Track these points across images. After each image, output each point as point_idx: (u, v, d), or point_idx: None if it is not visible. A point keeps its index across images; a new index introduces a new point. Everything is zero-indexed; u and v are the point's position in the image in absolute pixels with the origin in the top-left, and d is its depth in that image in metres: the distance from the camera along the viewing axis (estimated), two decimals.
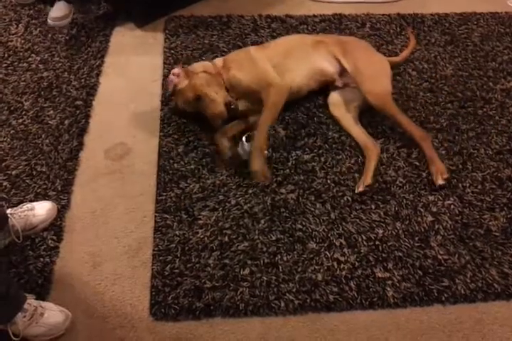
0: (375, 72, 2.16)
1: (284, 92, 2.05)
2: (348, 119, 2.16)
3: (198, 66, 2.16)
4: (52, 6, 2.63)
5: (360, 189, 1.93)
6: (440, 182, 1.96)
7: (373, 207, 1.93)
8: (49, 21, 2.60)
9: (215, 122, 2.04)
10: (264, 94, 2.03)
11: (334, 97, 2.23)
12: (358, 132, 2.12)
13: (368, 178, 1.95)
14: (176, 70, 2.08)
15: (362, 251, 1.80)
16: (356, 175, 2.02)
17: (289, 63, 2.15)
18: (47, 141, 2.10)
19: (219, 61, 2.17)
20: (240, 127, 2.13)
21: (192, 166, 2.02)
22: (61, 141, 2.10)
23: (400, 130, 2.13)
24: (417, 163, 2.06)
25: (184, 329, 1.63)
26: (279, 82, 2.07)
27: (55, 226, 1.83)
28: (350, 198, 1.94)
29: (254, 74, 2.08)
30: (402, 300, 1.69)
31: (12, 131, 2.13)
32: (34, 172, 1.98)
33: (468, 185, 2.01)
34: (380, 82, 2.13)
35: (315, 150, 2.09)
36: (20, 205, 1.81)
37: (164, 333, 1.61)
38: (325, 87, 2.27)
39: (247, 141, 1.99)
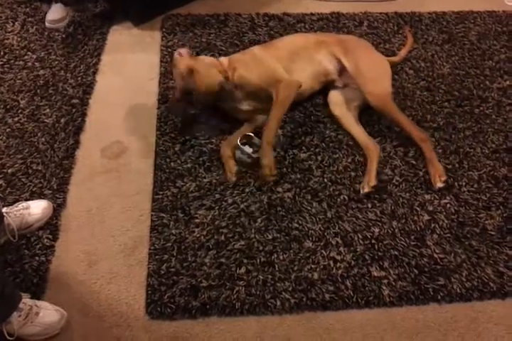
0: (376, 73, 2.15)
1: (294, 87, 2.03)
2: (348, 119, 2.15)
3: (205, 57, 2.15)
4: (48, 3, 2.62)
5: (366, 190, 1.93)
6: (439, 184, 1.96)
7: (370, 205, 1.93)
8: (46, 24, 2.59)
9: (202, 98, 2.01)
10: (274, 91, 2.01)
11: (334, 97, 2.22)
12: (358, 132, 2.12)
13: (372, 179, 1.95)
14: (182, 50, 2.05)
15: (358, 249, 1.80)
16: (353, 173, 2.02)
17: (294, 66, 2.13)
18: (43, 139, 2.09)
19: (224, 60, 2.14)
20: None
21: (188, 165, 2.02)
22: (57, 140, 2.09)
23: (398, 129, 2.13)
24: (414, 162, 2.06)
25: (180, 328, 1.63)
26: (287, 77, 2.06)
27: (51, 225, 1.83)
28: (346, 197, 1.94)
29: (261, 73, 2.06)
30: (397, 299, 1.70)
31: (8, 130, 2.12)
32: (30, 171, 1.98)
33: (464, 184, 2.01)
34: (381, 83, 2.12)
35: (312, 149, 2.09)
36: (16, 204, 1.81)
37: (160, 332, 1.62)
38: (325, 87, 2.26)
39: (243, 144, 1.99)
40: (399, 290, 1.71)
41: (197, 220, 1.86)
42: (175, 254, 1.76)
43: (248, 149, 1.98)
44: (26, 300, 1.54)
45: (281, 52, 2.15)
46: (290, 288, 1.70)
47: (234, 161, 2.01)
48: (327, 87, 2.25)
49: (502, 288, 1.73)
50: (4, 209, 1.75)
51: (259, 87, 2.04)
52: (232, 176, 1.97)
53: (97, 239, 1.82)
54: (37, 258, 1.74)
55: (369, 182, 1.94)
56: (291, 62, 2.13)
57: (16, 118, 2.16)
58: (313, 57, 2.17)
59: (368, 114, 2.19)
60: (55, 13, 2.59)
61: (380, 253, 1.79)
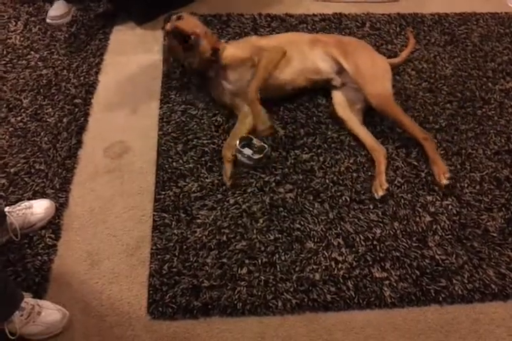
0: (376, 74, 2.14)
1: (278, 51, 2.09)
2: (353, 121, 2.14)
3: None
4: (51, 3, 2.63)
5: (381, 193, 1.93)
6: (444, 181, 1.96)
7: (371, 206, 1.93)
8: (48, 20, 2.60)
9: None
10: (259, 58, 2.07)
11: (338, 99, 2.21)
12: (364, 134, 2.11)
13: (384, 182, 1.95)
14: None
15: (360, 250, 1.80)
16: (354, 174, 2.02)
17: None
18: (45, 138, 2.09)
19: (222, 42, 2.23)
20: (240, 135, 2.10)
21: (191, 165, 2.02)
22: (60, 139, 2.10)
23: (400, 130, 2.13)
24: (416, 163, 2.06)
25: (181, 328, 1.63)
26: (273, 46, 2.12)
27: (53, 224, 1.83)
28: (348, 198, 1.94)
29: (250, 47, 2.12)
30: (399, 300, 1.70)
31: (11, 129, 2.12)
32: (32, 170, 1.98)
33: (466, 185, 2.01)
34: (382, 84, 2.12)
35: (314, 150, 2.09)
36: (19, 203, 1.81)
37: (161, 332, 1.62)
38: (324, 86, 2.26)
39: (242, 146, 1.99)
40: (400, 291, 1.71)
41: (199, 220, 1.86)
42: (177, 254, 1.77)
43: (248, 151, 1.99)
44: (28, 300, 1.54)
45: (271, 43, 2.19)
46: (292, 289, 1.70)
47: (232, 165, 2.00)
48: (327, 87, 2.25)
49: (504, 289, 1.73)
50: (7, 209, 1.75)
51: (247, 59, 2.09)
52: (227, 180, 1.97)
53: (99, 239, 1.82)
54: (39, 257, 1.74)
55: (381, 185, 1.94)
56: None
57: (19, 118, 2.17)
58: (303, 53, 2.18)
59: (369, 115, 2.19)
60: (57, 10, 2.61)
61: (381, 255, 1.80)
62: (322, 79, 2.22)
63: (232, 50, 2.13)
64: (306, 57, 2.18)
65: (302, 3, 2.84)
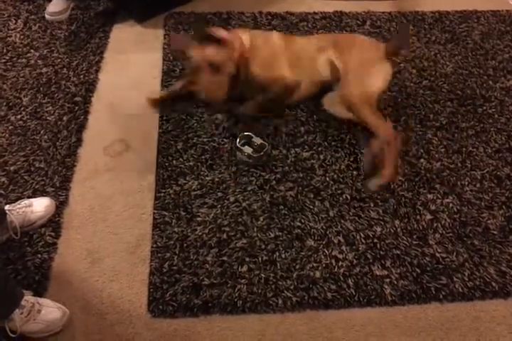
0: (358, 76, 2.05)
1: (293, 87, 2.12)
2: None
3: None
4: (50, 1, 2.63)
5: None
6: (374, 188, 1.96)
7: (372, 204, 1.92)
8: (46, 16, 2.61)
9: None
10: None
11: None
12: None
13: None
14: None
15: (360, 248, 1.80)
16: (355, 172, 2.02)
17: (297, 72, 2.12)
18: (45, 137, 2.09)
19: (245, 39, 2.09)
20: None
21: (191, 163, 2.02)
22: (60, 137, 2.09)
23: (400, 128, 2.13)
24: (415, 161, 2.06)
25: (182, 326, 1.63)
26: (288, 77, 2.10)
27: (53, 222, 1.83)
28: (348, 196, 1.94)
29: (270, 73, 2.08)
30: (399, 298, 1.69)
31: (11, 127, 2.12)
32: (32, 169, 1.98)
33: (467, 183, 2.01)
34: (360, 87, 2.03)
35: (314, 148, 2.09)
36: (19, 201, 1.80)
37: (162, 330, 1.62)
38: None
39: (242, 145, 2.00)
40: (401, 289, 1.71)
41: (199, 218, 1.86)
42: (177, 252, 1.76)
43: (248, 149, 1.99)
44: (28, 298, 1.54)
45: (290, 54, 2.13)
46: (292, 287, 1.70)
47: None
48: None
49: (504, 287, 1.73)
50: (7, 207, 1.75)
51: (264, 83, 2.08)
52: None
53: (99, 237, 1.82)
54: (39, 255, 1.74)
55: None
56: (295, 67, 2.12)
57: (19, 116, 2.17)
58: (313, 66, 2.15)
59: None
60: (56, 6, 2.62)
61: (382, 252, 1.79)
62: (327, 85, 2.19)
63: (256, 70, 2.06)
64: (314, 70, 2.14)
65: (304, 1, 2.84)
